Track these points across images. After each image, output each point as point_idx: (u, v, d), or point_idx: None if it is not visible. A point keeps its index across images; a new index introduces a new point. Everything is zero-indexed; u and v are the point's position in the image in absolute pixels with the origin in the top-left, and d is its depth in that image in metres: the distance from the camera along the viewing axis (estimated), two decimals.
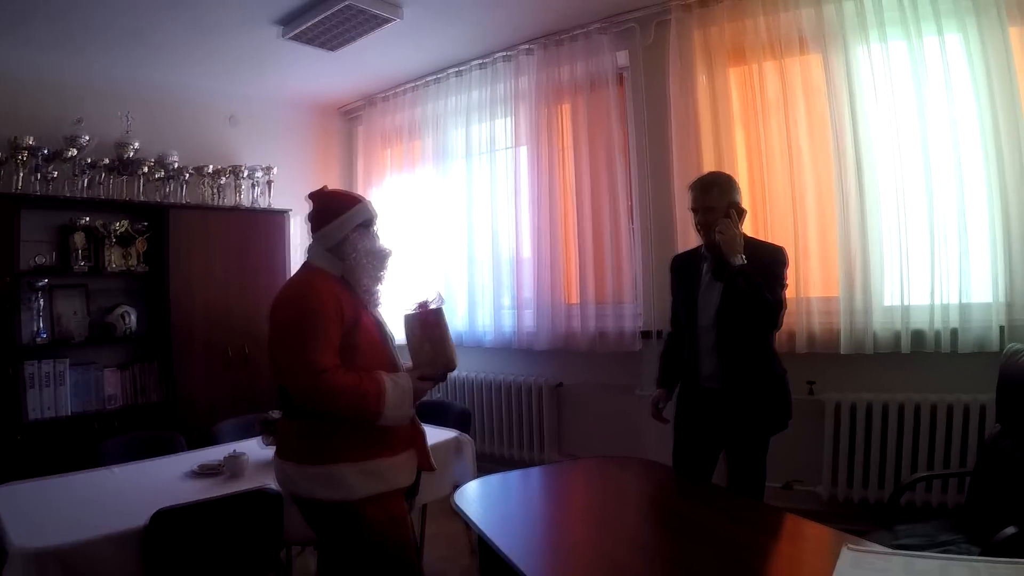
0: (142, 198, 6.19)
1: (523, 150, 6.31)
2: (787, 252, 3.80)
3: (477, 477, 3.95)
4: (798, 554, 2.63)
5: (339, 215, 3.14)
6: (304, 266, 3.19)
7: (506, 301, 6.49)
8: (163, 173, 6.32)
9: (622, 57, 5.77)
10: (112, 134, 6.02)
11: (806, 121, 4.86)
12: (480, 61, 6.50)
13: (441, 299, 3.22)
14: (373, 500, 2.96)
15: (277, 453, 3.15)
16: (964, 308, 4.33)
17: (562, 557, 2.79)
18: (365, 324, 3.08)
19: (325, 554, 3.33)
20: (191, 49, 5.89)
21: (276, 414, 4.14)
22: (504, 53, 6.31)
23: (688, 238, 4.80)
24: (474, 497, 3.40)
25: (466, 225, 6.74)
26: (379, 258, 3.18)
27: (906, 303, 4.50)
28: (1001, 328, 4.25)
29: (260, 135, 7.33)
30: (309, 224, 3.22)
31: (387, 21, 5.36)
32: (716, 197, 3.73)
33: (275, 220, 6.98)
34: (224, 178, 6.77)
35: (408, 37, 5.87)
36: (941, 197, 4.41)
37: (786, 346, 4.72)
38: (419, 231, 7.13)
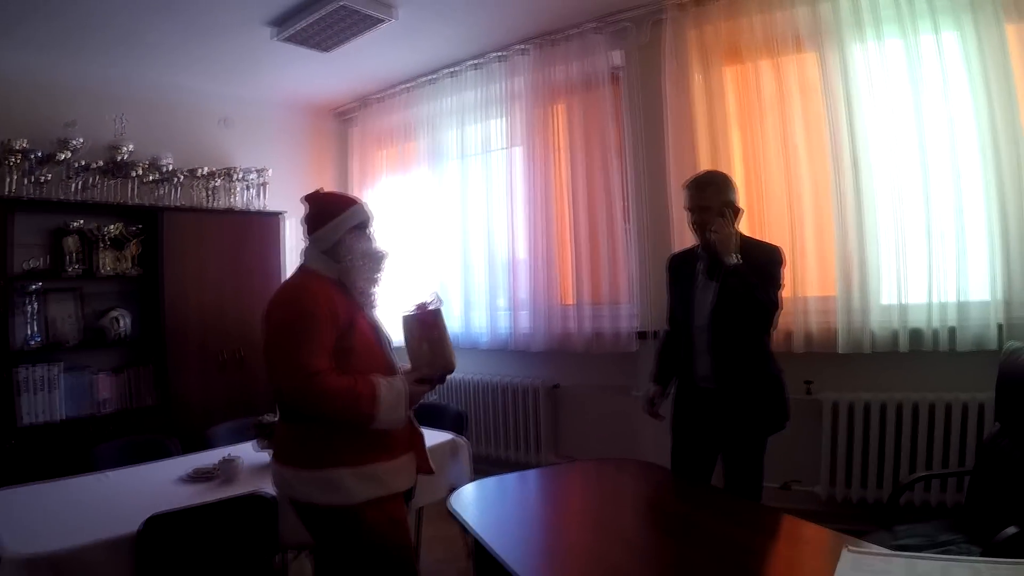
0: (135, 201, 6.15)
1: (518, 151, 6.30)
2: (783, 252, 3.77)
3: (473, 480, 3.93)
4: (797, 556, 2.61)
5: (334, 217, 3.13)
6: (299, 269, 3.18)
7: (502, 302, 6.48)
8: (156, 175, 6.29)
9: (617, 57, 5.76)
10: (105, 136, 5.99)
11: (802, 120, 4.85)
12: (474, 61, 6.48)
13: (439, 300, 3.21)
14: (372, 503, 2.95)
15: (274, 457, 3.14)
16: (962, 306, 4.33)
17: (559, 560, 2.77)
18: (360, 326, 3.07)
19: (323, 558, 3.30)
20: (184, 51, 5.86)
21: (270, 418, 4.14)
22: (498, 53, 6.29)
23: (684, 238, 4.77)
24: (470, 500, 3.38)
25: (461, 226, 6.72)
26: (375, 260, 3.17)
27: (904, 302, 4.49)
28: (999, 326, 4.23)
29: (254, 137, 7.30)
30: (304, 227, 3.22)
31: (380, 22, 5.33)
32: (711, 196, 3.70)
33: (269, 222, 6.95)
34: (218, 180, 6.74)
35: (402, 38, 5.85)
36: (938, 195, 4.39)
37: (783, 346, 4.72)
38: (414, 233, 7.11)
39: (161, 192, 6.35)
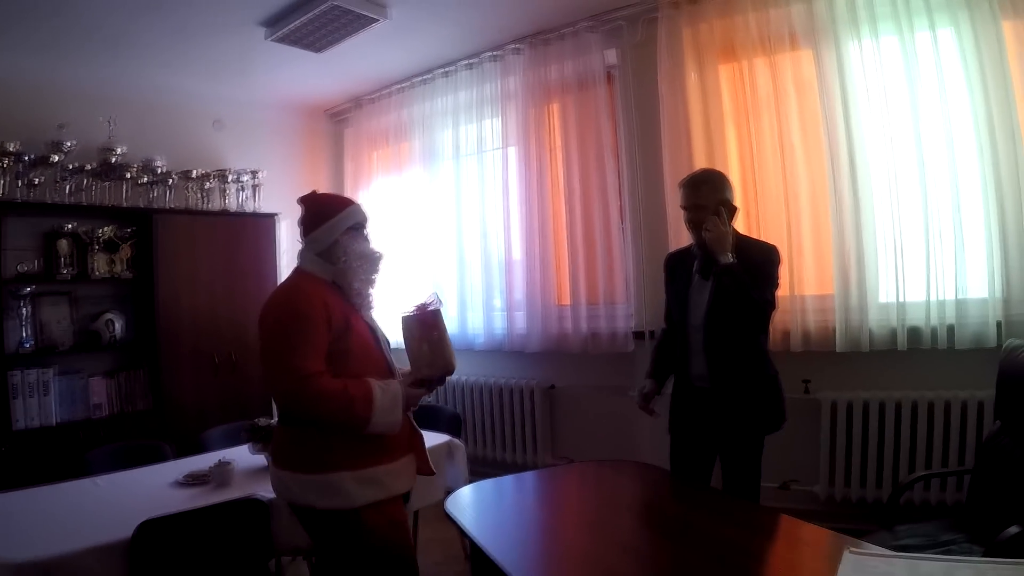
0: (127, 203, 6.12)
1: (512, 151, 6.27)
2: (780, 251, 3.74)
3: (470, 482, 3.91)
4: (797, 558, 2.59)
5: (329, 219, 3.12)
6: (295, 271, 3.18)
7: (497, 303, 6.46)
8: (149, 178, 6.26)
9: (611, 55, 5.74)
10: (97, 139, 5.94)
11: (798, 118, 4.83)
12: (468, 61, 6.46)
13: (439, 300, 3.20)
14: (372, 506, 2.94)
15: (273, 461, 3.12)
16: (960, 304, 4.31)
17: (556, 563, 2.74)
18: (357, 328, 3.06)
19: (324, 562, 3.28)
20: (176, 52, 5.83)
21: (264, 421, 4.12)
22: (492, 53, 6.26)
23: (680, 237, 4.76)
24: (467, 503, 3.35)
25: (456, 227, 6.70)
26: (370, 261, 3.17)
27: (902, 300, 4.47)
28: (998, 323, 4.22)
29: (247, 138, 7.27)
30: (299, 228, 3.21)
31: (373, 21, 5.30)
32: (706, 195, 3.67)
33: (263, 224, 6.92)
34: (210, 182, 6.71)
35: (394, 38, 5.82)
36: (935, 192, 4.37)
37: (781, 345, 4.72)
38: (408, 234, 7.08)
39: (154, 194, 6.32)
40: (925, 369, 4.48)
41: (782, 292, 4.12)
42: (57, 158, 5.63)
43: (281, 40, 5.55)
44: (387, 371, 3.14)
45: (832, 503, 4.72)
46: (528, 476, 4.03)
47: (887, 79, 4.52)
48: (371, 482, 2.95)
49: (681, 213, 3.85)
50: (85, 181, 5.89)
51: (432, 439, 4.39)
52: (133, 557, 2.93)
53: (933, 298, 4.37)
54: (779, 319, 4.67)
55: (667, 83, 5.25)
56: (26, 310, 5.56)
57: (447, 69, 6.64)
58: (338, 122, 8.10)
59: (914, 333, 4.45)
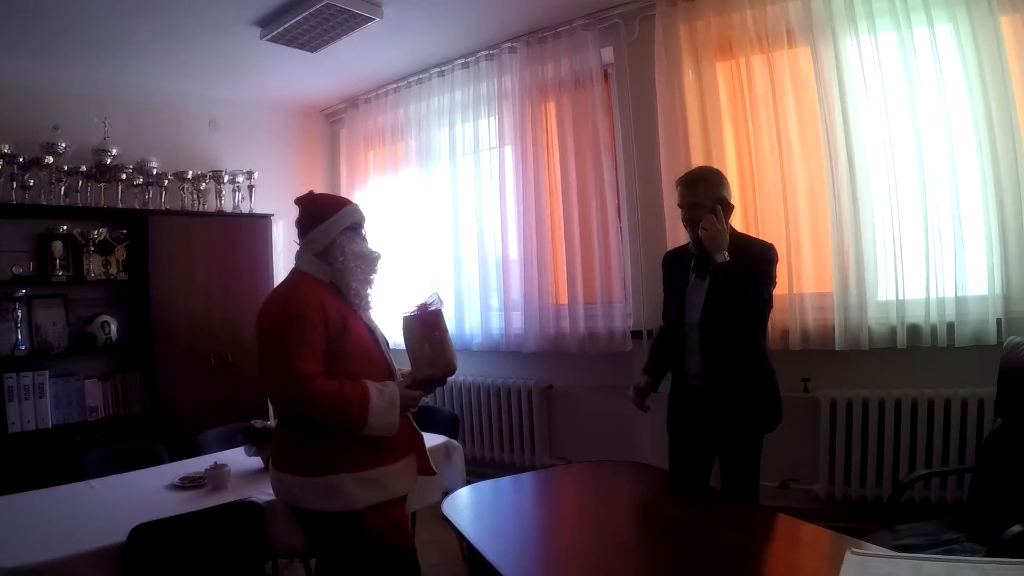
0: (121, 205, 6.10)
1: (508, 150, 6.24)
2: (777, 249, 3.72)
3: (467, 483, 3.89)
4: (798, 559, 2.56)
5: (326, 219, 3.13)
6: (292, 271, 3.19)
7: (494, 303, 6.42)
8: (143, 179, 6.23)
9: (607, 54, 5.71)
10: (90, 140, 5.92)
11: (796, 115, 4.81)
12: (463, 60, 6.43)
13: (440, 300, 3.20)
14: (374, 508, 2.95)
15: (273, 463, 3.12)
16: (960, 301, 4.29)
17: (554, 566, 2.71)
18: (355, 329, 3.06)
19: (326, 564, 3.26)
20: (170, 53, 5.80)
21: (259, 423, 4.09)
22: (487, 52, 6.24)
23: (678, 235, 4.74)
24: (464, 505, 3.32)
25: (452, 227, 6.67)
26: (368, 261, 3.17)
27: (901, 297, 4.45)
28: (998, 321, 4.20)
29: (241, 139, 7.24)
30: (296, 229, 3.21)
31: (367, 20, 5.28)
32: (702, 193, 3.65)
33: (258, 225, 6.89)
34: (205, 183, 6.69)
35: (389, 37, 5.79)
36: (934, 189, 4.35)
37: (780, 343, 4.71)
38: (404, 234, 7.05)
39: (148, 196, 6.29)
40: (925, 367, 4.46)
41: (781, 290, 4.11)
42: (51, 160, 5.60)
43: (275, 40, 5.52)
44: (387, 371, 3.15)
45: (832, 502, 4.70)
46: (526, 477, 4.01)
47: (885, 76, 4.49)
48: (372, 484, 2.96)
49: (679, 211, 3.82)
50: (79, 183, 5.87)
51: (430, 440, 4.36)
52: (127, 561, 2.90)
53: (933, 295, 4.35)
54: (778, 317, 4.67)
55: (664, 81, 5.23)
56: (20, 313, 5.53)
57: (443, 68, 6.61)
58: (333, 122, 8.07)
59: (914, 331, 4.43)
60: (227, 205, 6.86)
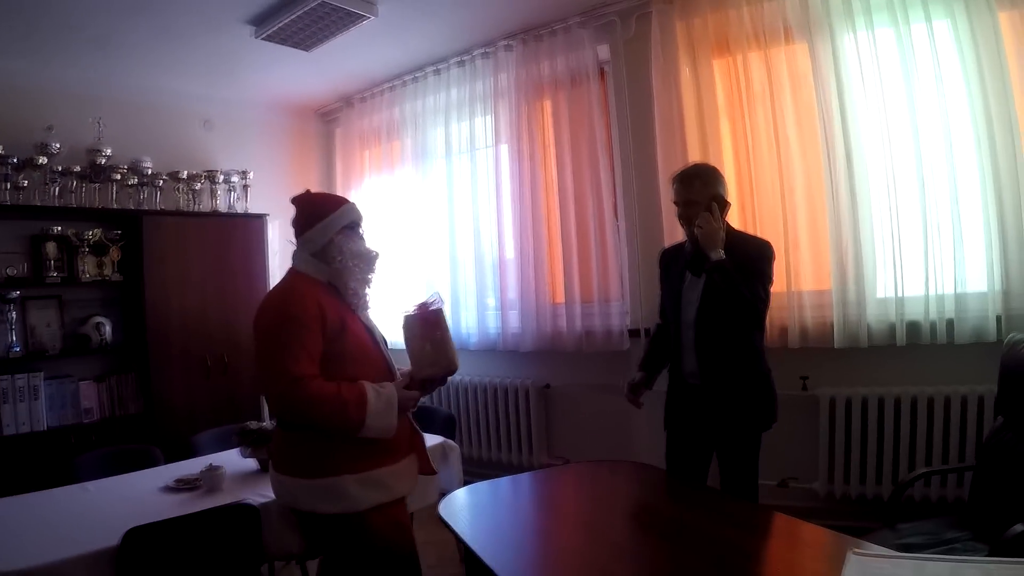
0: (115, 205, 6.06)
1: (504, 148, 6.23)
2: (773, 247, 3.70)
3: (464, 483, 3.87)
4: (799, 559, 2.53)
5: (323, 218, 3.11)
6: (289, 272, 3.17)
7: (491, 302, 6.41)
8: (137, 179, 6.19)
9: (603, 51, 5.69)
10: (84, 140, 5.89)
11: (793, 112, 4.79)
12: (458, 58, 6.40)
13: (441, 299, 3.20)
14: (376, 509, 2.94)
15: (273, 466, 3.10)
16: (959, 298, 4.27)
17: (552, 568, 2.69)
18: (353, 329, 3.04)
19: (328, 565, 3.25)
20: (163, 52, 5.77)
21: (255, 424, 4.07)
22: (483, 49, 6.21)
23: (675, 233, 4.71)
24: (461, 506, 3.30)
25: (448, 226, 6.65)
26: (366, 260, 3.15)
27: (900, 294, 4.43)
28: (998, 317, 4.18)
29: (236, 139, 7.20)
30: (293, 229, 3.18)
31: (361, 18, 5.25)
32: (698, 190, 3.64)
33: (253, 225, 6.85)
34: (199, 183, 6.65)
35: (384, 35, 5.76)
36: (933, 185, 4.33)
37: (778, 341, 4.69)
38: (400, 233, 7.03)
39: (142, 196, 6.25)
40: (924, 364, 4.44)
41: (779, 288, 4.10)
42: (44, 160, 5.56)
43: (269, 39, 5.50)
44: (386, 371, 3.14)
45: (832, 500, 4.69)
46: (523, 478, 3.99)
47: (883, 72, 4.48)
48: (374, 484, 2.95)
49: (675, 209, 3.81)
50: (72, 183, 5.82)
51: (426, 441, 4.35)
52: (120, 565, 2.88)
53: (932, 292, 4.33)
54: (776, 315, 4.65)
55: (660, 78, 5.21)
56: (14, 314, 5.50)
57: (438, 66, 6.58)
58: (328, 121, 8.04)
59: (913, 328, 4.41)
60: (222, 205, 6.82)
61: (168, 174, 6.42)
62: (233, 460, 4.15)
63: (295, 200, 3.20)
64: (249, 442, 4.01)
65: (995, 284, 4.18)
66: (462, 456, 4.63)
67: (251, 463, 4.06)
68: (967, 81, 4.23)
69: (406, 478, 3.13)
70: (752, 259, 3.55)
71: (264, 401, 4.11)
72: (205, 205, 6.71)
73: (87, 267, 5.87)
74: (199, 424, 5.22)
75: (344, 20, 5.27)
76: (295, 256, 3.15)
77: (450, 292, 6.55)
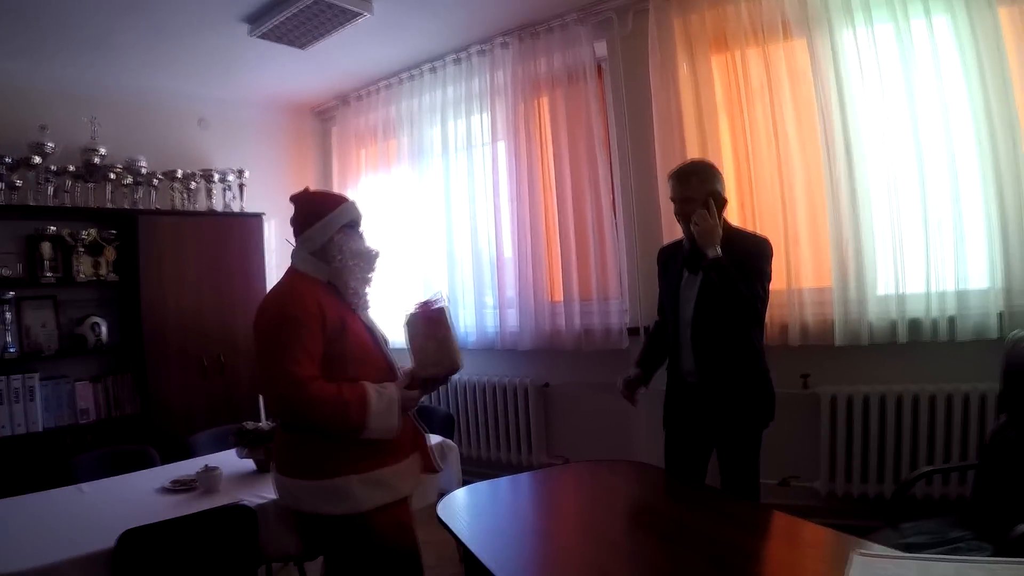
0: (111, 205, 6.04)
1: (501, 146, 6.21)
2: (771, 244, 3.68)
3: (463, 483, 3.85)
4: (800, 560, 2.51)
5: (322, 217, 3.09)
6: (288, 271, 3.15)
7: (489, 300, 6.39)
8: (132, 179, 6.17)
9: (600, 48, 5.67)
10: (79, 140, 5.86)
11: (792, 108, 4.76)
12: (455, 55, 6.39)
13: (444, 298, 3.18)
14: (380, 509, 2.93)
15: (276, 468, 3.08)
16: (961, 295, 4.25)
17: (551, 571, 2.67)
18: (354, 329, 3.02)
19: (331, 566, 3.21)
20: (158, 51, 5.74)
21: (251, 424, 4.05)
22: (479, 47, 6.20)
23: (674, 230, 4.67)
24: (460, 506, 3.27)
25: (445, 224, 6.63)
26: (366, 259, 3.14)
27: (901, 292, 4.40)
28: (1000, 314, 4.16)
29: (232, 138, 7.18)
30: (292, 227, 3.16)
31: (357, 16, 5.22)
32: (694, 187, 3.63)
33: (249, 224, 6.83)
34: (195, 182, 6.61)
35: (379, 32, 5.73)
36: (934, 182, 4.31)
37: (779, 339, 4.68)
38: (397, 232, 7.01)
39: (138, 195, 6.22)
40: (926, 362, 4.42)
41: (779, 286, 4.08)
42: (39, 160, 5.54)
43: (264, 36, 5.47)
44: (388, 371, 3.12)
45: (833, 499, 4.67)
46: (522, 478, 3.96)
47: (883, 68, 4.45)
48: (378, 485, 2.94)
49: (671, 205, 3.79)
50: (68, 183, 5.80)
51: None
52: (116, 567, 2.85)
53: (933, 289, 4.31)
54: (776, 313, 4.63)
55: (658, 75, 5.19)
56: (9, 315, 5.47)
57: (434, 64, 6.56)
58: (324, 120, 8.03)
59: (914, 325, 4.39)
60: (218, 204, 6.80)
61: (164, 173, 6.39)
62: (230, 461, 4.13)
63: (294, 198, 3.17)
64: (246, 443, 3.99)
65: (997, 281, 4.16)
66: (461, 456, 4.60)
67: (248, 464, 4.04)
68: (967, 77, 4.20)
69: (409, 477, 3.12)
70: (750, 256, 3.54)
71: (262, 401, 4.08)
72: (201, 204, 6.67)
73: (83, 267, 5.85)
74: (196, 424, 5.19)
75: (339, 17, 5.25)
76: (294, 255, 3.13)
77: (448, 291, 6.50)
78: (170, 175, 6.44)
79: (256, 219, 6.86)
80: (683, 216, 3.66)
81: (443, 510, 3.12)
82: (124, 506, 3.49)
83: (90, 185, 5.94)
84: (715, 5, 4.97)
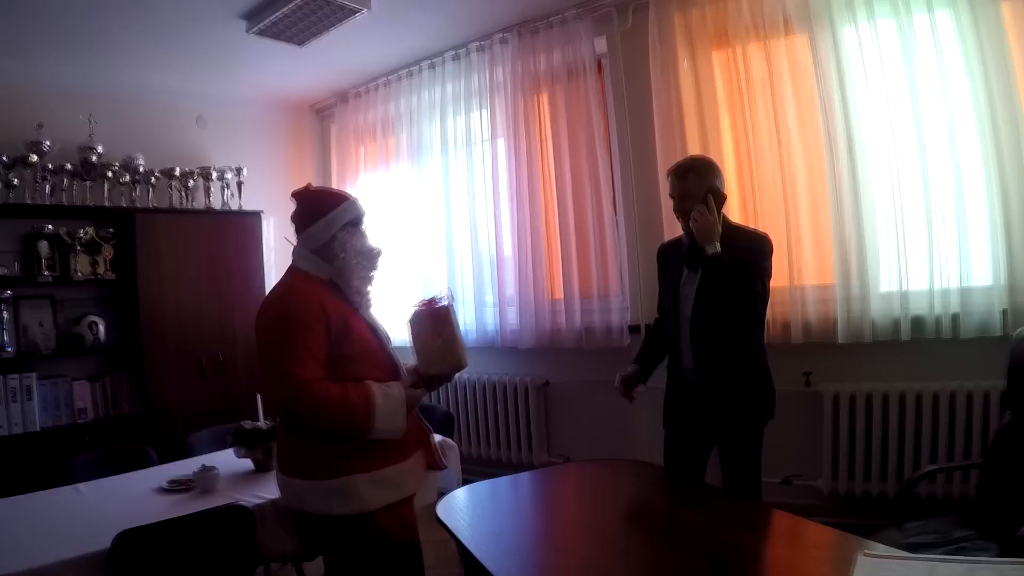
0: (108, 203, 6.02)
1: (501, 143, 6.19)
2: (772, 241, 3.65)
3: (463, 481, 3.82)
4: (803, 560, 2.48)
5: (325, 214, 3.03)
6: (289, 270, 3.09)
7: (488, 298, 6.37)
8: (129, 177, 6.16)
9: (600, 44, 5.64)
10: (76, 138, 5.84)
11: (794, 104, 4.74)
12: (454, 52, 6.36)
13: (451, 296, 3.16)
14: (385, 509, 2.91)
15: (280, 468, 3.03)
16: (964, 292, 4.22)
17: (551, 570, 2.64)
18: (357, 328, 2.98)
19: (335, 567, 3.18)
20: (155, 48, 5.71)
21: (249, 424, 4.02)
22: (478, 43, 6.17)
23: (674, 227, 4.63)
24: (460, 506, 3.24)
25: (444, 222, 6.61)
26: (369, 257, 3.08)
27: (904, 289, 4.38)
28: (1004, 312, 4.13)
29: (230, 135, 7.16)
30: (293, 225, 3.11)
31: (355, 12, 5.19)
32: (693, 183, 3.60)
33: (247, 222, 6.80)
34: (193, 180, 6.59)
35: (378, 29, 5.71)
36: (937, 178, 4.28)
37: (781, 337, 4.67)
38: (397, 230, 6.98)
39: (136, 194, 6.21)
40: (929, 359, 4.39)
41: (781, 283, 4.05)
42: (36, 158, 5.54)
43: (262, 33, 5.44)
44: (392, 370, 3.08)
45: (836, 498, 4.65)
46: (522, 477, 3.93)
47: (885, 63, 4.42)
48: (384, 484, 2.91)
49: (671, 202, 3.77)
50: (65, 181, 5.79)
51: None
52: (112, 568, 2.82)
53: (936, 286, 4.28)
54: (779, 310, 4.62)
55: (659, 71, 5.16)
56: (6, 314, 5.46)
57: (433, 60, 6.54)
58: (323, 117, 8.01)
59: (917, 323, 4.37)
60: (216, 202, 6.78)
61: (161, 171, 6.37)
62: (228, 460, 4.09)
63: (296, 194, 3.12)
64: (244, 442, 3.96)
65: (1000, 278, 4.13)
66: (460, 455, 4.58)
67: (246, 463, 4.01)
68: (970, 73, 4.17)
69: (414, 476, 3.09)
70: (750, 253, 3.51)
71: (259, 401, 4.04)
72: (199, 202, 6.65)
73: (80, 266, 5.84)
74: (194, 424, 5.14)
75: (337, 14, 5.22)
76: (295, 253, 3.08)
77: (448, 289, 6.47)
78: (168, 173, 6.42)
79: (255, 217, 6.83)
80: (682, 212, 3.64)
81: (443, 510, 3.10)
82: (121, 506, 3.47)
83: (87, 183, 5.92)
84: (716, 0, 4.93)
